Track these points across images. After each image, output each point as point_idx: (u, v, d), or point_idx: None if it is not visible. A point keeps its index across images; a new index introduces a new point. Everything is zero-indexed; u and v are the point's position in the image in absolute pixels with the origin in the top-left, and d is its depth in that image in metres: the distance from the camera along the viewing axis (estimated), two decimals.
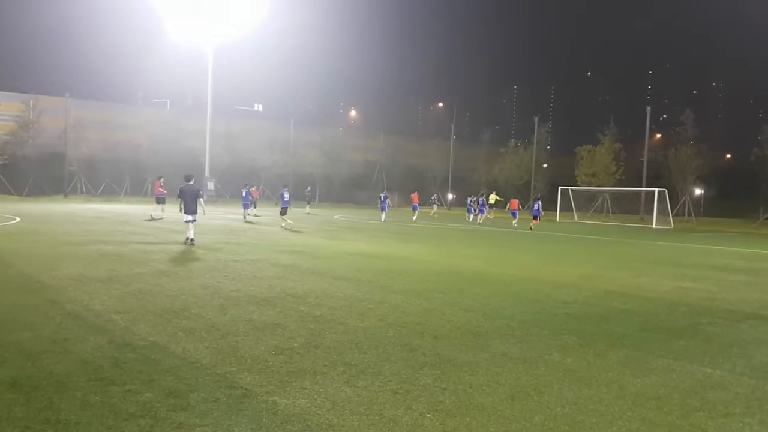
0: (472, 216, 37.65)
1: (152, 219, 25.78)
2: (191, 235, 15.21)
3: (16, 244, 14.09)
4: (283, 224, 24.00)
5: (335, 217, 35.65)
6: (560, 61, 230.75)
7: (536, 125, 60.80)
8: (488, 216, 38.10)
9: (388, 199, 34.83)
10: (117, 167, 52.39)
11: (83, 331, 6.19)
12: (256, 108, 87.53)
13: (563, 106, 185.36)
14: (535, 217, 34.31)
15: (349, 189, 65.41)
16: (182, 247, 14.54)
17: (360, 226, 28.31)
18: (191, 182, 15.76)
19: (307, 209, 39.77)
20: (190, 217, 15.24)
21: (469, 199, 39.44)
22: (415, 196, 36.03)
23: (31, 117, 50.94)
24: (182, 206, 15.38)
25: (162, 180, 28.77)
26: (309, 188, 43.83)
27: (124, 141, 54.00)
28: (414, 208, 35.05)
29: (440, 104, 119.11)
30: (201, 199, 15.79)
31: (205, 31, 49.71)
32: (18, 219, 22.43)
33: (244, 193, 31.93)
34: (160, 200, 27.76)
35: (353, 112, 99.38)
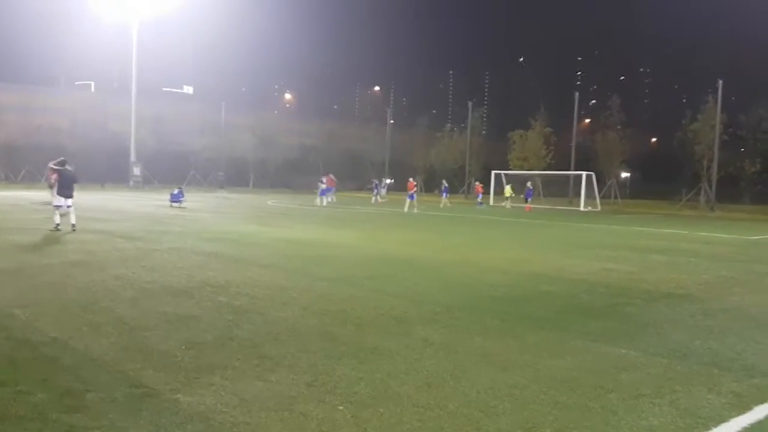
0: (374, 198, 39.33)
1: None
2: (73, 220, 14.78)
3: None
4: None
5: (268, 202, 35.05)
6: (494, 47, 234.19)
7: (470, 110, 61.53)
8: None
9: (323, 184, 34.45)
10: (38, 153, 49.75)
11: None
12: (185, 90, 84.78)
13: (497, 92, 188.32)
14: (527, 201, 35.94)
15: (284, 174, 64.53)
16: (99, 237, 13.86)
17: (293, 211, 27.91)
18: (67, 167, 15.17)
19: (218, 193, 39.08)
20: (69, 202, 14.70)
21: (375, 181, 42.35)
22: (411, 183, 32.57)
23: None
24: (57, 191, 14.89)
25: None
26: (221, 173, 43.03)
27: (45, 125, 51.41)
28: (411, 198, 31.38)
29: (377, 88, 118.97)
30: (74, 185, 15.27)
31: (129, 4, 47.64)
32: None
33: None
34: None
35: (288, 95, 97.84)
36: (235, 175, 58.56)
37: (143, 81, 52.91)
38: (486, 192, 43.39)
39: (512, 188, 42.37)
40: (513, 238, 18.70)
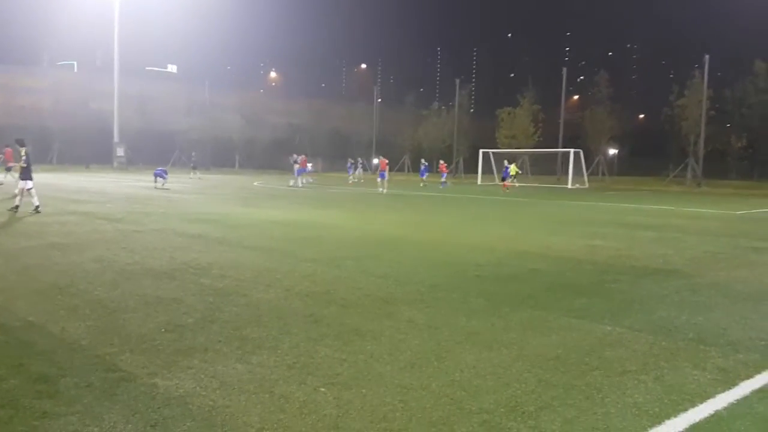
0: (351, 178, 39.41)
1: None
2: (37, 201, 14.59)
3: None
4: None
5: (255, 183, 34.77)
6: (482, 23, 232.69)
7: (458, 88, 61.18)
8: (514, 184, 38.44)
9: (296, 164, 33.75)
10: (20, 133, 49.01)
11: None
12: (169, 69, 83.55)
13: (485, 69, 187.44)
14: (503, 180, 35.53)
15: (271, 154, 64.08)
16: (80, 219, 13.66)
17: (280, 192, 27.71)
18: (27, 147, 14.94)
19: (191, 175, 38.71)
20: (31, 183, 14.48)
21: (350, 161, 42.83)
22: (383, 162, 32.84)
23: None
24: (25, 173, 14.64)
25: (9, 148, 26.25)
26: (193, 153, 42.60)
27: (28, 105, 50.59)
28: (381, 176, 31.35)
29: (363, 66, 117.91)
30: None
31: None
32: None
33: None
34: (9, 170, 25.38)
35: (274, 74, 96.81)
36: (222, 155, 58.12)
37: (126, 60, 52.11)
38: (451, 171, 42.87)
39: (517, 166, 42.11)
40: (498, 216, 18.66)
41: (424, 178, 39.77)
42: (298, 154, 35.33)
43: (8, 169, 24.53)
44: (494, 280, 7.95)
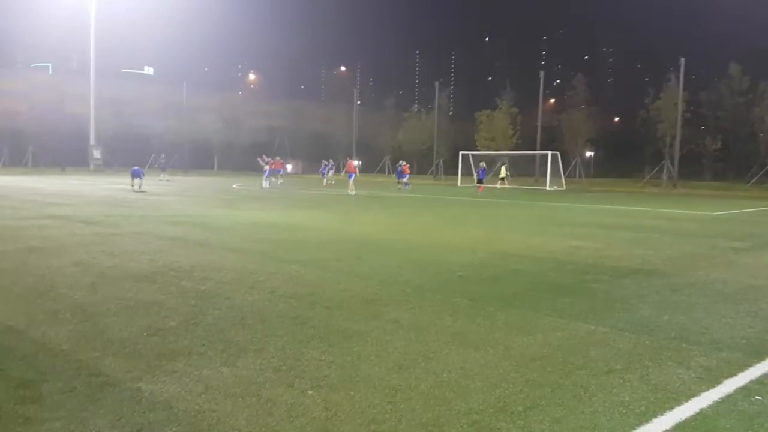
0: (325, 180, 39.71)
1: None
2: None
3: None
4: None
5: (234, 185, 34.52)
6: (461, 26, 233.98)
7: (437, 90, 61.43)
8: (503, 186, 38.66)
9: (266, 165, 33.43)
10: None
11: None
12: (146, 71, 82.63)
13: (464, 72, 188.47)
14: (480, 182, 35.43)
15: (251, 156, 63.70)
16: (57, 222, 13.42)
17: (259, 194, 27.55)
18: None
19: (160, 177, 38.30)
20: None
21: (324, 162, 42.68)
22: (350, 163, 32.79)
23: None
24: None
25: None
26: (163, 155, 42.12)
27: (1, 108, 49.70)
28: (350, 177, 31.09)
29: (343, 68, 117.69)
30: None
31: None
32: None
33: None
34: None
35: (252, 76, 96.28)
36: (200, 157, 57.65)
37: (102, 62, 51.47)
38: (412, 172, 42.41)
39: (507, 169, 42.06)
40: (479, 218, 18.74)
41: (404, 180, 39.53)
42: (269, 156, 35.07)
43: None
44: (478, 280, 7.97)
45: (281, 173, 37.53)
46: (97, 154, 48.46)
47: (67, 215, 14.85)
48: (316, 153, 47.86)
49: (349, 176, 30.80)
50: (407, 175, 37.89)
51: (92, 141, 48.52)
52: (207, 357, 4.67)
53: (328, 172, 42.33)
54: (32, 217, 14.48)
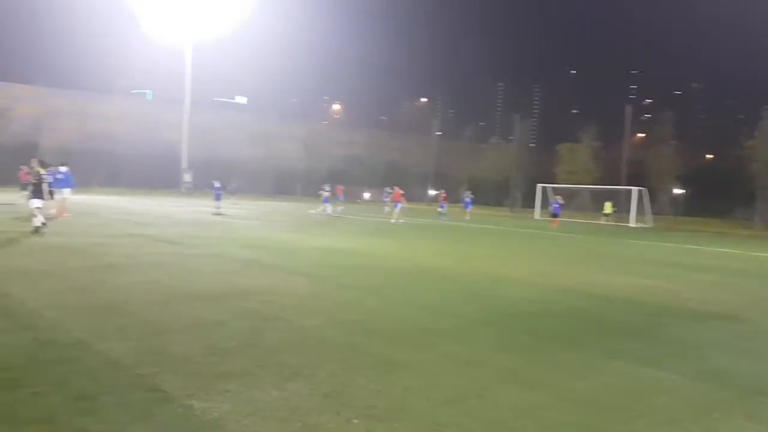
0: (387, 208, 36.67)
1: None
2: (38, 223, 14.26)
3: None
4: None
5: (311, 211, 35.26)
6: (545, 59, 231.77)
7: (517, 122, 60.89)
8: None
9: (326, 192, 33.75)
10: (92, 158, 51.47)
11: (8, 327, 5.84)
12: (238, 101, 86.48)
13: (546, 104, 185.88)
14: (555, 216, 34.42)
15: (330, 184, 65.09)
16: (141, 241, 14.14)
17: (333, 221, 28.01)
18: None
19: (231, 201, 39.23)
20: (39, 203, 14.41)
21: (387, 190, 38.56)
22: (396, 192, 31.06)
23: (3, 105, 49.91)
24: (42, 194, 14.54)
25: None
26: (233, 180, 43.09)
27: (100, 131, 53.17)
28: (396, 207, 29.85)
29: (424, 100, 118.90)
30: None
31: (185, 24, 49.07)
32: None
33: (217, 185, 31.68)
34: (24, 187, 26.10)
35: (336, 106, 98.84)
36: (283, 183, 59.45)
37: (197, 90, 54.25)
38: (450, 201, 40.09)
39: (612, 205, 40.21)
40: (549, 251, 18.25)
41: (469, 210, 38.97)
42: (331, 185, 35.60)
43: (24, 187, 24.97)
44: (538, 316, 7.74)
45: (342, 200, 37.96)
46: (187, 177, 50.90)
47: (151, 234, 15.62)
48: (392, 182, 48.07)
49: (395, 205, 29.86)
50: (443, 205, 36.73)
51: (183, 165, 51.06)
52: (260, 379, 4.75)
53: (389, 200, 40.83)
54: (118, 235, 15.30)
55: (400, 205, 29.56)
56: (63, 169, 21.21)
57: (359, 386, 4.70)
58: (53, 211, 19.01)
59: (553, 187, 47.51)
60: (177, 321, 6.47)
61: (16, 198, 25.40)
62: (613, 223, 38.29)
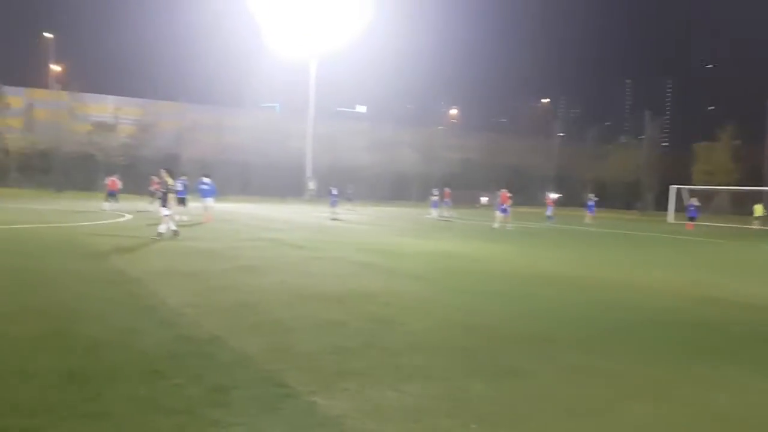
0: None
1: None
2: (163, 229, 15.05)
3: (122, 240, 14.99)
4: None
5: (427, 216, 35.41)
6: (677, 52, 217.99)
7: (648, 120, 57.67)
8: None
9: (435, 197, 33.02)
10: (226, 168, 54.84)
11: (152, 323, 6.38)
12: (358, 109, 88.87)
13: (681, 101, 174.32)
14: (692, 219, 32.42)
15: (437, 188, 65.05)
16: (270, 244, 14.94)
17: (449, 225, 27.96)
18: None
19: (349, 207, 39.61)
20: (167, 211, 15.15)
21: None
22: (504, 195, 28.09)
23: (149, 120, 54.57)
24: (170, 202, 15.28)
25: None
26: (350, 186, 43.35)
27: (233, 143, 56.61)
28: (503, 211, 27.18)
29: (546, 100, 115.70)
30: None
31: (308, 40, 51.40)
32: (128, 216, 23.86)
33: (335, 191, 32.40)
34: (110, 196, 27.67)
35: (453, 110, 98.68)
36: (399, 189, 60.29)
37: (320, 102, 56.46)
38: (558, 204, 36.73)
39: (763, 207, 36.95)
40: (687, 258, 17.06)
41: (592, 214, 36.27)
42: (440, 189, 35.18)
43: (154, 195, 26.46)
44: (676, 327, 7.27)
45: (449, 205, 37.63)
46: (312, 185, 53.05)
47: (278, 238, 16.45)
48: (510, 186, 47.21)
49: (502, 209, 27.15)
50: (551, 207, 34.12)
51: (308, 173, 53.31)
52: (378, 379, 4.85)
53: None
54: (249, 239, 16.25)
55: (507, 210, 27.35)
56: (206, 179, 22.97)
57: (477, 391, 4.67)
58: (185, 217, 20.38)
59: (689, 189, 44.46)
60: (302, 320, 6.76)
61: (146, 206, 27.55)
62: (760, 227, 35.08)
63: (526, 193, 55.89)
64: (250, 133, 58.57)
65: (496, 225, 26.06)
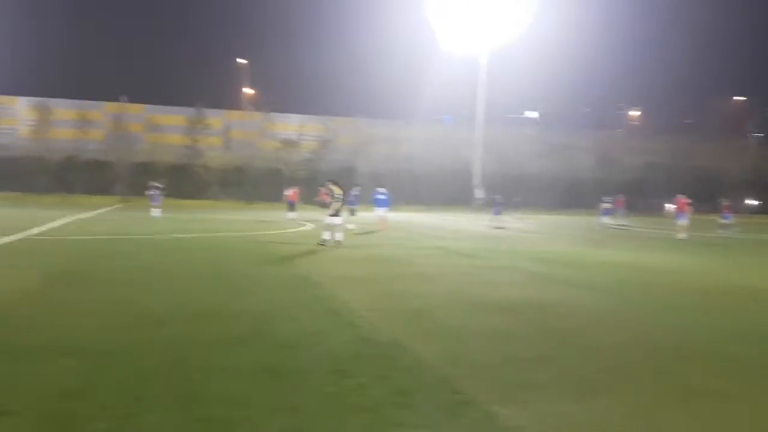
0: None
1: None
2: (327, 236, 15.76)
3: (304, 248, 16.09)
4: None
5: (597, 225, 33.61)
6: None
7: None
8: None
9: (606, 204, 31.63)
10: (397, 178, 56.47)
11: (336, 325, 6.80)
12: (528, 115, 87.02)
13: None
14: None
15: (627, 195, 61.23)
16: (441, 253, 15.21)
17: (624, 233, 26.33)
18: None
19: (515, 215, 38.27)
20: (337, 221, 15.75)
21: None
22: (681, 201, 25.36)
23: (329, 136, 58.13)
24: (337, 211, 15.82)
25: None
26: (516, 196, 41.98)
27: (405, 154, 58.29)
28: (682, 219, 24.47)
29: (739, 99, 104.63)
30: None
31: (478, 36, 51.73)
32: (310, 225, 25.48)
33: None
34: (291, 207, 29.77)
35: (633, 112, 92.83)
36: (572, 196, 57.95)
37: (489, 110, 56.15)
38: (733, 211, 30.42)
39: None
40: None
41: (727, 221, 30.81)
42: (612, 197, 33.71)
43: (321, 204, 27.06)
44: None
45: (622, 213, 35.48)
46: (479, 193, 52.80)
47: (447, 247, 16.67)
48: (697, 191, 42.98)
49: (678, 216, 24.68)
50: (728, 215, 29.20)
51: (475, 181, 53.21)
52: (558, 392, 4.74)
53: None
54: (420, 247, 16.64)
55: (684, 216, 24.51)
56: (381, 190, 24.12)
57: (667, 411, 4.39)
58: (351, 226, 21.30)
59: None
60: (475, 328, 6.80)
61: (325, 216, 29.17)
62: None
63: (715, 199, 50.77)
64: (421, 144, 59.87)
65: (681, 235, 23.58)
